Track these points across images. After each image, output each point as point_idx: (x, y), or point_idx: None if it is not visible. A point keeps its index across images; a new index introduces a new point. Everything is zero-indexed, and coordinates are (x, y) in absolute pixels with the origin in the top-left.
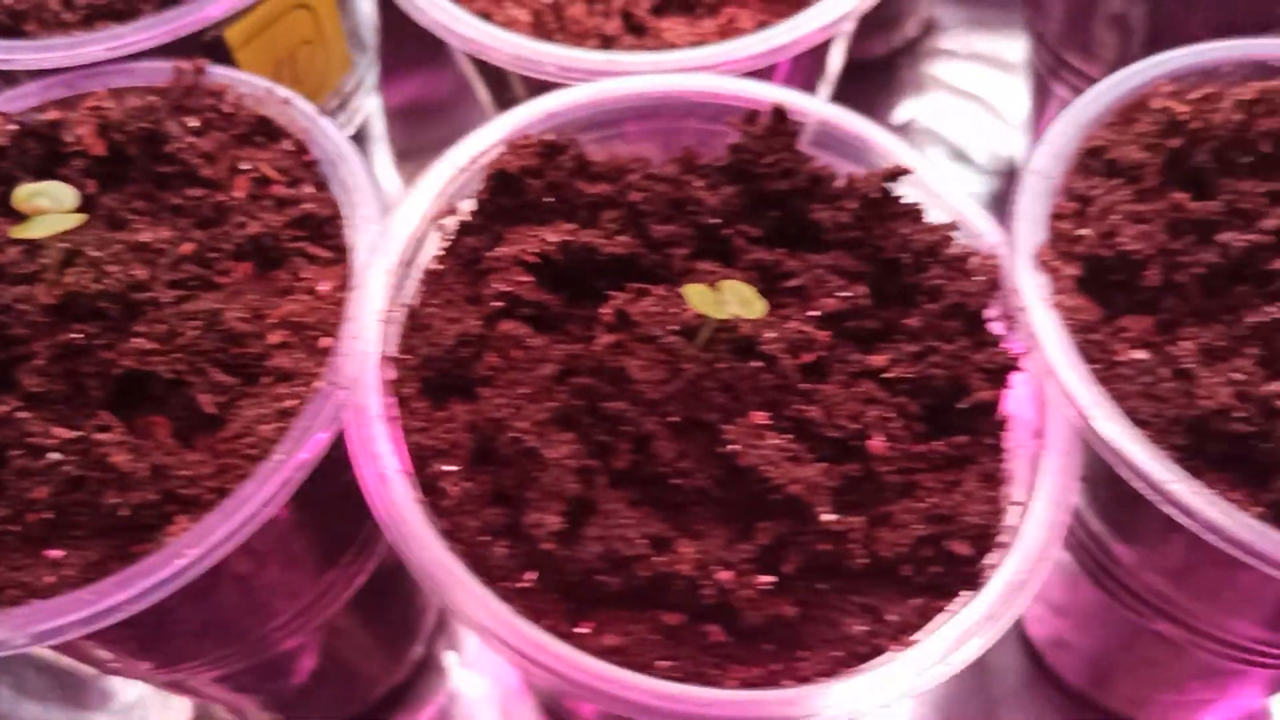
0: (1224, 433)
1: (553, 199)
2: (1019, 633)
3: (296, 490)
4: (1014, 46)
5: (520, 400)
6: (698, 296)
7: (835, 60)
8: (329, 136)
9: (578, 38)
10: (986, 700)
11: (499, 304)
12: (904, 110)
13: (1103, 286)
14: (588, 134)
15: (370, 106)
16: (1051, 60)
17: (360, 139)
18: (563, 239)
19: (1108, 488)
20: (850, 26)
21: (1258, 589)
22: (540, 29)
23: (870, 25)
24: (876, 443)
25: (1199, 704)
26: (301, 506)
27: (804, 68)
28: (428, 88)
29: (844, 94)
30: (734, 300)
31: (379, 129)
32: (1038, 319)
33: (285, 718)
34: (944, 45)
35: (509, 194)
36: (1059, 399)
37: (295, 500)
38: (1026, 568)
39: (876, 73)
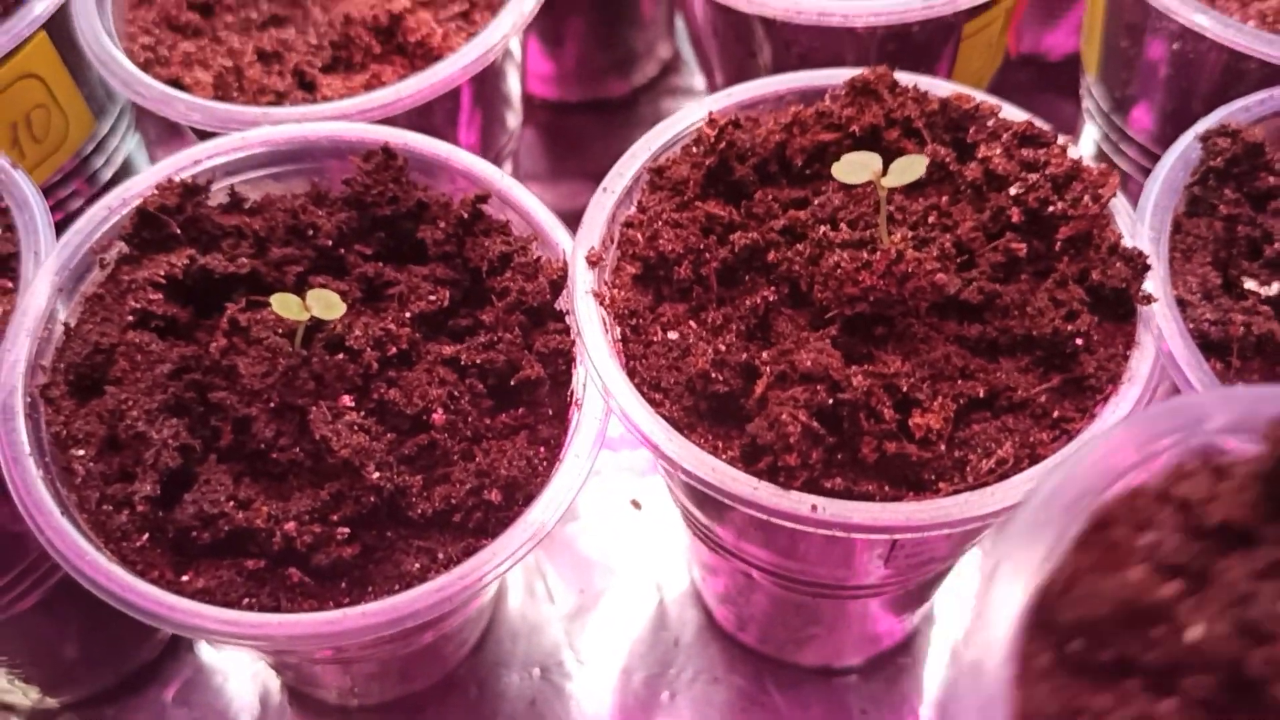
0: (709, 392)
1: (194, 231)
2: (695, 591)
3: None
4: None
5: (137, 394)
6: (280, 302)
7: (512, 88)
8: (18, 185)
9: (254, 95)
10: (666, 649)
11: (131, 318)
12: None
13: (654, 281)
14: (253, 173)
15: (130, 146)
16: None
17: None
18: (185, 262)
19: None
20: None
21: (792, 538)
22: (222, 89)
23: (608, 67)
24: (438, 416)
25: (824, 637)
26: None
27: (476, 98)
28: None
29: (587, 130)
30: (318, 304)
31: (143, 162)
32: (581, 308)
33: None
34: (683, 83)
35: (151, 228)
36: (594, 375)
37: None
38: (546, 514)
39: (620, 110)
